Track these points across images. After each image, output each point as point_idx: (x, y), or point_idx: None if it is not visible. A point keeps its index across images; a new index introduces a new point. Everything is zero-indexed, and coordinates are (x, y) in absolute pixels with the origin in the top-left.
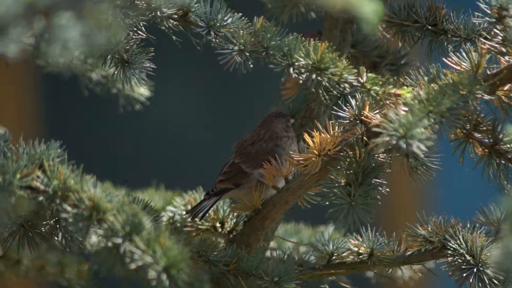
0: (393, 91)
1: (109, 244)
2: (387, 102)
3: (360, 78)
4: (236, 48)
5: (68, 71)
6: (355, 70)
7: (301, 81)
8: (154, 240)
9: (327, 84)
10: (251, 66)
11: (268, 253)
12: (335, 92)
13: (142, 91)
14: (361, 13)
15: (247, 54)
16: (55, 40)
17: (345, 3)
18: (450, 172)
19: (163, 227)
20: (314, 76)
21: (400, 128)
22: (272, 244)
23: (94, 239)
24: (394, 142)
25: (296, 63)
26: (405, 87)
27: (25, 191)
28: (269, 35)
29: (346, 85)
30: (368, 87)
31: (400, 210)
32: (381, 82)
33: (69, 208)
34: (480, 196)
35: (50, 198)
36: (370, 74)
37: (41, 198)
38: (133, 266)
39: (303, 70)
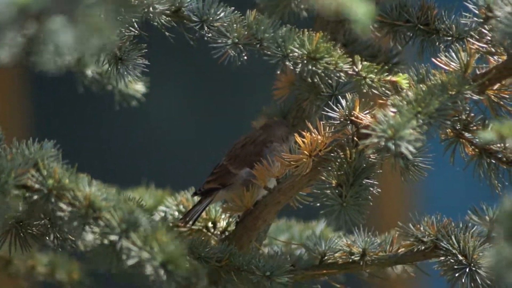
0: (388, 78)
1: (105, 241)
2: (382, 89)
3: (355, 67)
4: (229, 41)
5: (62, 69)
6: (350, 59)
7: (297, 71)
8: (151, 236)
9: (323, 74)
10: (245, 58)
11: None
12: (331, 82)
13: (138, 87)
14: (353, 15)
15: (241, 47)
16: (48, 44)
17: (338, 4)
18: (441, 172)
19: (159, 224)
20: (309, 66)
21: (388, 129)
22: (264, 243)
23: (89, 237)
24: (383, 143)
25: (291, 54)
26: (401, 74)
27: (20, 190)
28: (262, 27)
29: (342, 74)
30: (364, 75)
31: (390, 210)
32: (376, 70)
33: (64, 207)
34: (471, 195)
35: (45, 197)
36: (365, 63)
37: (35, 197)
38: (130, 262)
39: (298, 60)
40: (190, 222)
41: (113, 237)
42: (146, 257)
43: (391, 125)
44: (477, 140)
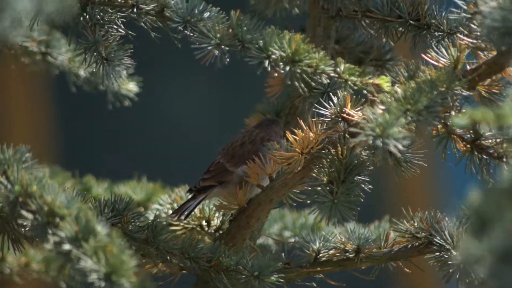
0: (371, 81)
1: (61, 250)
2: (366, 93)
3: (337, 69)
4: (212, 42)
5: (55, 69)
6: (332, 62)
7: (276, 74)
8: (101, 247)
9: (304, 76)
10: (228, 60)
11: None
12: (313, 84)
13: (131, 87)
14: None
15: (224, 48)
16: (6, 11)
17: None
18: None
19: (115, 235)
20: (288, 68)
21: (377, 127)
22: (260, 240)
23: (49, 245)
24: (371, 142)
25: (272, 56)
26: (383, 77)
27: None
28: (245, 28)
29: (324, 75)
30: (346, 77)
31: (414, 202)
32: (358, 73)
33: (28, 215)
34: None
35: (12, 204)
36: (347, 65)
37: (2, 204)
38: (79, 271)
39: (279, 62)
40: (182, 217)
41: (67, 246)
42: (92, 267)
43: (379, 123)
44: (468, 135)
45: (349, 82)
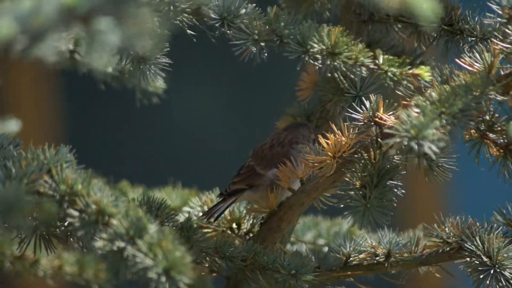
0: (411, 71)
1: (114, 248)
2: (405, 82)
3: (376, 61)
4: (250, 38)
5: (83, 67)
6: (371, 53)
7: (317, 67)
8: (156, 243)
9: (343, 69)
10: (265, 55)
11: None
12: (352, 76)
13: (159, 84)
14: (419, 11)
15: (262, 43)
16: (94, 45)
17: (402, 1)
18: (475, 172)
19: (167, 231)
20: (329, 61)
21: (411, 129)
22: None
23: (99, 243)
24: (406, 143)
25: (311, 50)
26: (423, 67)
27: (33, 196)
28: (282, 23)
29: (363, 68)
30: (385, 68)
31: (423, 210)
32: (397, 63)
33: (75, 213)
34: (506, 195)
35: (58, 203)
36: (386, 56)
37: (48, 203)
38: (135, 269)
39: (318, 56)
40: (212, 219)
41: (121, 244)
42: (149, 264)
43: (414, 125)
44: (501, 140)
45: (389, 73)
